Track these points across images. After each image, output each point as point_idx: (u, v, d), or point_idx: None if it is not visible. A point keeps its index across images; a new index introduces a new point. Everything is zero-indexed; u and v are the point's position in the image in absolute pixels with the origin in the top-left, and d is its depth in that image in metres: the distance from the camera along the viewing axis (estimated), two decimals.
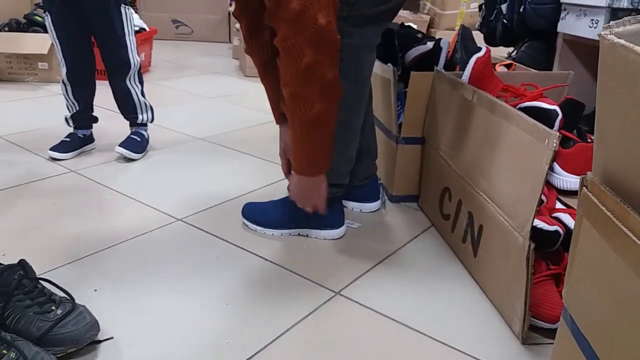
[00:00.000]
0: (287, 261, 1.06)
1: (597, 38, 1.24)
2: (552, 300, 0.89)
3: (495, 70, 1.46)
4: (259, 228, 1.17)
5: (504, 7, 1.54)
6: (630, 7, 1.12)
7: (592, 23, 1.24)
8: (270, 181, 1.47)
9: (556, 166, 1.10)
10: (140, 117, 1.64)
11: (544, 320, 0.88)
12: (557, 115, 1.07)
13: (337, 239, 1.16)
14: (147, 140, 1.66)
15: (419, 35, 1.43)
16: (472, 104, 1.06)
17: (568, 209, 1.01)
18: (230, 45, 3.94)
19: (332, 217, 1.15)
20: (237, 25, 3.37)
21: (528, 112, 1.09)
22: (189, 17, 4.02)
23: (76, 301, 0.81)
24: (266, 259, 1.07)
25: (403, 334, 0.86)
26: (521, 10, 1.47)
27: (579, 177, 0.82)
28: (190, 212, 1.26)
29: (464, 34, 1.45)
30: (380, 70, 1.37)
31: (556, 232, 0.91)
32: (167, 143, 1.76)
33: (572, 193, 1.05)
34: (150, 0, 3.99)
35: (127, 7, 1.54)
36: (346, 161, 1.15)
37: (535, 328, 0.88)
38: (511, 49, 1.69)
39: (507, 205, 0.90)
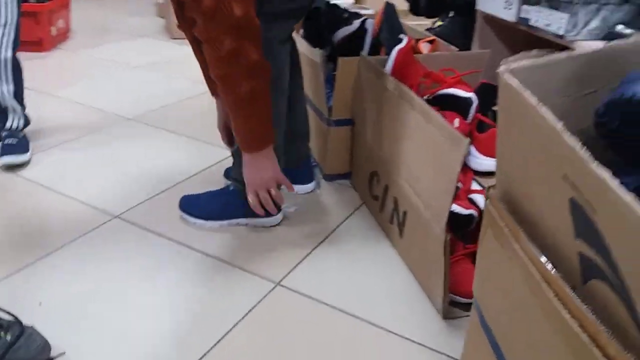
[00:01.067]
0: (228, 254, 1.11)
1: (512, 19, 1.31)
2: (468, 277, 1.00)
3: (418, 47, 1.52)
4: (198, 221, 1.20)
5: None
6: None
7: (507, 4, 1.31)
8: (207, 164, 1.49)
9: (473, 149, 1.19)
10: (8, 123, 1.46)
11: (462, 296, 0.99)
12: (473, 102, 1.15)
13: (275, 225, 1.22)
14: (24, 135, 1.49)
15: (345, 15, 1.44)
16: (394, 96, 1.12)
17: (483, 189, 1.11)
18: (154, 1, 3.74)
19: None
20: None
21: (447, 99, 1.17)
22: None
23: (23, 320, 0.83)
24: (207, 254, 1.11)
25: (340, 320, 0.95)
26: None
27: (493, 159, 0.91)
28: (126, 206, 1.27)
29: (388, 12, 1.49)
30: (309, 53, 1.39)
31: (471, 215, 1.02)
32: (95, 126, 1.71)
33: (488, 174, 1.16)
34: None
35: None
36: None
37: (455, 303, 0.99)
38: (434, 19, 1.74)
39: (425, 196, 0.99)
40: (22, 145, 1.44)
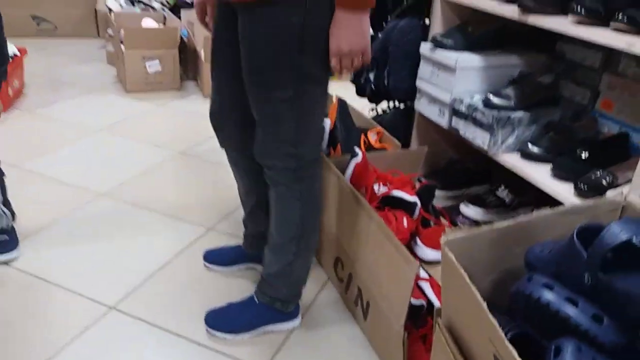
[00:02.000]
0: (210, 338, 1.29)
1: (445, 126, 1.58)
2: (421, 357, 1.25)
3: (370, 138, 1.76)
4: (228, 336, 1.31)
5: (371, 75, 1.82)
6: (466, 112, 1.46)
7: (440, 113, 1.58)
8: (184, 243, 1.65)
9: (418, 241, 1.45)
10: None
11: None
12: (416, 205, 1.41)
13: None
14: (13, 228, 1.57)
15: None
16: (353, 202, 1.35)
17: (430, 277, 1.36)
18: (100, 43, 3.78)
19: (295, 311, 1.36)
20: (110, 31, 3.27)
21: (396, 201, 1.42)
22: (51, 12, 3.74)
23: None
24: (200, 344, 1.29)
25: None
26: (385, 83, 1.76)
27: (437, 250, 1.15)
28: (120, 295, 1.41)
29: (342, 109, 1.72)
30: None
31: (421, 305, 1.27)
32: (69, 204, 1.82)
33: (432, 263, 1.41)
34: None
35: None
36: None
37: None
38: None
39: (385, 297, 1.22)
40: (10, 243, 1.54)
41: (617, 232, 0.67)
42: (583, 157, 1.29)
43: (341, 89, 2.04)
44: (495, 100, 1.41)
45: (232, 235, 1.71)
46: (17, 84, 2.68)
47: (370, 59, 1.05)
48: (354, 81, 2.02)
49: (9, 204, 1.61)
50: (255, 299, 1.33)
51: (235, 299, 1.36)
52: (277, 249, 1.24)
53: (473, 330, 0.79)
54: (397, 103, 1.96)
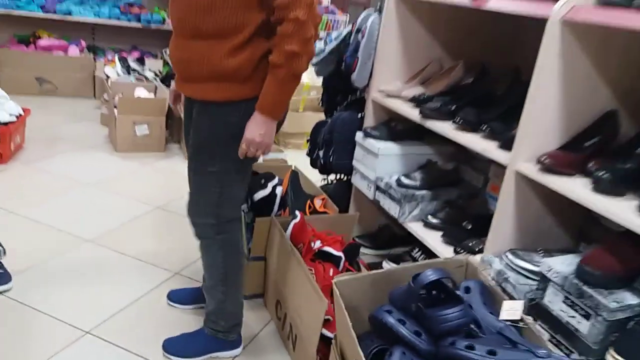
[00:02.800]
0: None
1: (371, 197, 1.97)
2: None
3: (314, 202, 2.14)
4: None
5: (321, 153, 2.24)
6: (384, 188, 1.87)
7: (368, 187, 1.98)
8: (153, 284, 1.97)
9: None
10: None
11: None
12: (341, 259, 1.77)
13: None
14: (1, 264, 1.85)
15: (262, 182, 2.05)
16: (291, 254, 1.70)
17: None
18: (96, 103, 4.20)
19: (237, 340, 1.68)
20: (105, 96, 3.69)
21: (326, 255, 1.78)
22: (53, 75, 4.18)
23: None
24: None
25: None
26: (331, 160, 2.17)
27: None
28: (95, 322, 1.72)
29: (293, 178, 2.12)
30: None
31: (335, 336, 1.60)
32: (57, 248, 2.14)
33: None
34: (11, 58, 4.07)
35: None
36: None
37: None
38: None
39: (305, 329, 1.55)
40: (5, 274, 1.85)
41: (429, 275, 1.04)
42: (467, 228, 1.68)
43: (302, 159, 2.45)
44: (405, 181, 1.82)
45: (193, 280, 2.04)
46: (19, 140, 3.05)
47: (269, 152, 1.44)
48: (309, 155, 2.43)
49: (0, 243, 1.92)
50: (204, 331, 1.66)
51: (189, 330, 1.68)
52: (210, 290, 1.59)
53: (349, 347, 1.14)
54: (340, 175, 2.37)
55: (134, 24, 4.40)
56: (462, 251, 1.57)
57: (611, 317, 1.07)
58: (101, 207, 2.56)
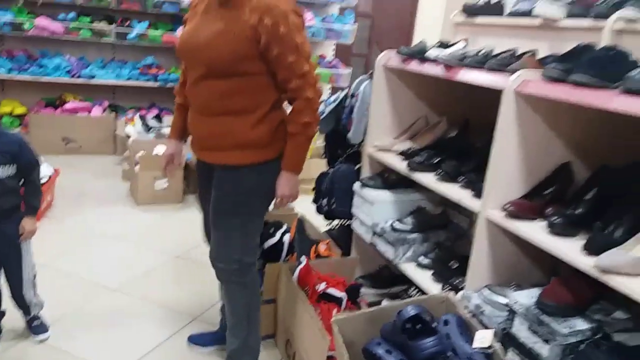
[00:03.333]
0: None
1: (368, 242, 2.18)
2: None
3: (320, 248, 2.35)
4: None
5: (324, 201, 2.46)
6: (380, 233, 2.08)
7: (366, 231, 2.19)
8: (175, 329, 2.17)
9: None
10: (33, 312, 2.05)
11: None
12: (344, 299, 1.96)
13: None
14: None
15: (271, 231, 2.27)
16: (298, 297, 1.91)
17: None
18: (117, 160, 4.51)
19: None
20: (126, 153, 3.99)
21: (330, 296, 1.98)
22: (78, 135, 4.52)
23: None
24: None
25: None
26: (333, 207, 2.40)
27: None
28: None
29: (299, 226, 2.34)
30: None
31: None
32: (87, 297, 2.36)
33: None
34: (40, 121, 4.43)
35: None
36: None
37: None
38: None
39: None
40: (44, 325, 2.08)
41: (409, 311, 1.24)
42: (454, 267, 1.87)
43: (309, 203, 2.68)
44: (398, 225, 2.03)
45: (212, 323, 2.23)
46: (49, 198, 3.34)
47: (296, 199, 1.73)
48: (314, 202, 2.66)
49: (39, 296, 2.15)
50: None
51: None
52: (233, 328, 1.79)
53: None
54: (343, 221, 2.58)
55: (152, 84, 4.76)
56: (448, 288, 1.76)
57: (565, 341, 1.25)
58: (125, 257, 2.80)
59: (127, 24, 4.64)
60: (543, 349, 1.30)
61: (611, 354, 1.23)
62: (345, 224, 2.56)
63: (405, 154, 2.05)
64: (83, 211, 3.39)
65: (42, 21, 4.40)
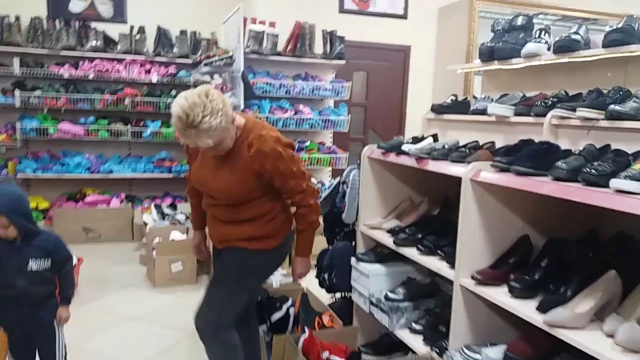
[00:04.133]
0: None
1: (367, 310, 2.43)
2: None
3: (323, 319, 2.59)
4: None
5: (326, 276, 2.73)
6: (376, 303, 2.33)
7: (364, 302, 2.44)
8: None
9: None
10: None
11: None
12: None
13: None
14: None
15: (277, 305, 2.53)
16: None
17: None
18: (135, 246, 4.81)
19: None
20: (144, 240, 4.30)
21: None
22: (98, 225, 4.87)
23: None
24: None
25: None
26: (333, 281, 2.66)
27: None
28: None
29: (304, 300, 2.60)
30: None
31: None
32: None
33: None
34: (63, 214, 4.79)
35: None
36: None
37: None
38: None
39: None
40: None
41: None
42: (442, 331, 2.11)
43: (312, 280, 2.93)
44: (391, 295, 2.29)
45: None
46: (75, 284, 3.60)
47: (307, 274, 2.07)
48: (317, 277, 2.93)
49: None
50: None
51: None
52: None
53: None
54: (344, 293, 2.83)
55: (166, 175, 5.17)
56: (436, 350, 1.99)
57: None
58: (144, 336, 3.03)
59: (141, 123, 5.13)
60: None
61: None
62: (347, 297, 2.82)
63: (393, 231, 2.35)
64: (104, 295, 3.65)
65: (65, 125, 4.90)
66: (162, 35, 5.29)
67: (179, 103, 1.66)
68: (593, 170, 1.40)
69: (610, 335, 1.37)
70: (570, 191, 1.43)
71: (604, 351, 1.33)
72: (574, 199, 1.42)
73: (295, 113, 4.92)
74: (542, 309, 1.51)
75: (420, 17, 5.93)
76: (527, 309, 1.57)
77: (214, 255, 2.16)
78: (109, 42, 5.14)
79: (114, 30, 5.18)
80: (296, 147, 5.06)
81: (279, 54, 4.94)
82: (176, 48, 5.28)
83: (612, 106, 1.63)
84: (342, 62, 5.14)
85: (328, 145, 5.30)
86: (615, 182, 1.31)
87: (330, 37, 5.16)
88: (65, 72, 4.89)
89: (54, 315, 2.22)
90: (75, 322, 3.24)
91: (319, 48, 5.17)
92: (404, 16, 5.94)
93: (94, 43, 5.00)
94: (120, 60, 5.05)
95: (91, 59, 4.99)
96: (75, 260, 3.68)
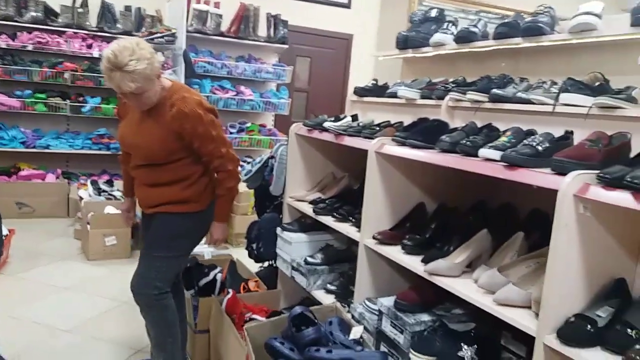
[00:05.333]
0: None
1: (289, 275, 2.63)
2: None
3: (249, 285, 2.77)
4: None
5: (254, 246, 2.91)
6: (296, 267, 2.53)
7: (287, 267, 2.64)
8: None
9: None
10: None
11: None
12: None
13: None
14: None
15: (205, 270, 2.68)
16: (227, 324, 2.30)
17: None
18: (69, 222, 4.80)
19: None
20: (79, 214, 4.31)
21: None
22: (32, 199, 4.81)
23: None
24: None
25: None
26: (261, 250, 2.84)
27: None
28: None
29: (231, 267, 2.76)
30: (186, 293, 2.57)
31: None
32: (42, 337, 2.65)
33: None
34: None
35: None
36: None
37: None
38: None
39: None
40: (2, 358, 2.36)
41: (296, 310, 1.68)
42: (352, 290, 2.33)
43: (244, 254, 3.09)
44: (310, 260, 2.49)
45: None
46: (4, 256, 3.60)
47: (225, 241, 2.16)
48: (247, 249, 3.10)
49: None
50: None
51: None
52: (158, 345, 2.15)
53: None
54: (270, 262, 3.02)
55: (104, 152, 5.16)
56: (345, 305, 2.22)
57: (412, 329, 1.73)
58: (76, 305, 3.10)
59: (81, 99, 5.09)
60: (400, 338, 1.77)
61: (444, 337, 1.71)
62: (273, 265, 3.00)
63: (314, 202, 2.55)
64: (37, 267, 3.67)
65: (0, 97, 4.80)
66: (105, 10, 5.23)
67: (111, 46, 1.81)
68: (468, 142, 1.64)
69: (477, 281, 1.62)
70: (449, 160, 1.67)
71: (469, 293, 1.58)
72: (452, 166, 1.66)
73: (237, 94, 5.03)
74: (425, 261, 1.75)
75: (362, 6, 6.16)
76: (415, 263, 1.80)
77: (144, 223, 2.27)
78: (49, 14, 5.04)
79: (55, 2, 5.07)
80: (237, 128, 5.22)
81: (222, 35, 5.02)
82: (120, 24, 5.25)
83: (494, 90, 1.89)
84: (285, 46, 5.30)
85: (269, 127, 5.45)
86: (482, 152, 1.55)
87: (275, 21, 5.30)
88: (2, 42, 4.77)
89: None
90: (3, 292, 3.26)
91: (262, 31, 5.29)
92: (347, 5, 6.15)
93: (33, 14, 4.89)
94: (60, 33, 4.97)
95: (30, 30, 4.89)
96: (5, 232, 3.69)
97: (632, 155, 1.41)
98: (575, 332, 1.27)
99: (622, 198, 1.18)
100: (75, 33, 5.03)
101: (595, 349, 1.27)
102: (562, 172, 1.31)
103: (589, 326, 1.28)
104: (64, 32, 4.99)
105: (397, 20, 5.93)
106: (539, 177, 1.37)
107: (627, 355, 1.17)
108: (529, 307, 1.44)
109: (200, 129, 1.95)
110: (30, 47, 4.84)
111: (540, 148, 1.44)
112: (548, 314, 1.31)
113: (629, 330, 1.26)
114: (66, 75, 4.93)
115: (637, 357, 1.15)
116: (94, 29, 5.13)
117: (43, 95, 4.97)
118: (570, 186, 1.26)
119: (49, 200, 4.88)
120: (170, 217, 2.08)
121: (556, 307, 1.32)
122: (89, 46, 5.07)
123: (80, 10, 5.12)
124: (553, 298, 1.31)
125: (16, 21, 4.82)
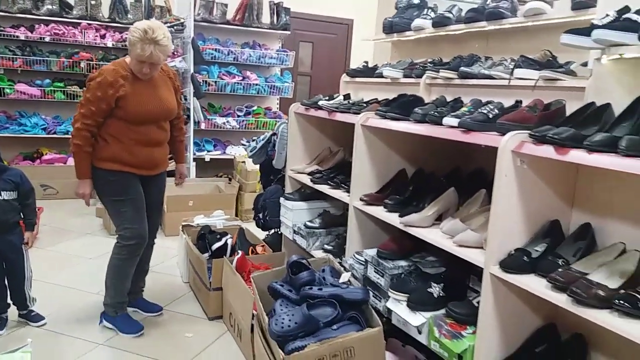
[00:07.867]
0: None
1: (291, 239, 2.95)
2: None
3: (257, 249, 3.10)
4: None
5: (260, 215, 3.23)
6: (297, 231, 2.85)
7: (289, 232, 2.96)
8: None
9: None
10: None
11: None
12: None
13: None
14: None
15: (218, 236, 3.01)
16: (237, 281, 2.63)
17: None
18: (91, 201, 5.15)
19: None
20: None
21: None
22: (55, 181, 5.18)
23: None
24: None
25: None
26: (267, 219, 3.16)
27: None
28: (105, 336, 2.58)
29: (240, 233, 3.09)
30: (200, 256, 2.91)
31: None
32: (71, 299, 3.01)
33: None
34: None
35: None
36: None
37: None
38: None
39: (243, 319, 2.45)
40: (40, 315, 2.73)
41: (293, 258, 1.99)
42: (345, 248, 2.65)
43: (252, 226, 3.41)
44: (309, 224, 2.81)
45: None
46: (35, 231, 3.97)
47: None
48: (254, 219, 3.43)
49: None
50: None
51: None
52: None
53: (260, 314, 2.07)
54: (276, 230, 3.35)
55: None
56: (339, 260, 2.54)
57: (391, 273, 2.04)
58: (102, 272, 3.44)
59: None
60: (381, 281, 2.08)
61: (418, 278, 2.02)
62: (278, 232, 3.33)
63: (312, 174, 2.86)
64: (64, 241, 4.04)
65: (22, 86, 5.14)
66: (117, 1, 5.53)
67: (145, 22, 2.32)
68: (435, 113, 1.93)
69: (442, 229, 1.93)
70: (420, 129, 1.96)
71: (436, 238, 1.89)
72: (422, 134, 1.95)
73: (243, 79, 5.33)
74: (402, 216, 2.06)
75: None
76: (394, 219, 2.11)
77: (137, 185, 2.58)
78: (64, 6, 5.35)
79: None
80: (244, 111, 5.52)
81: (228, 23, 5.31)
82: (130, 14, 5.54)
83: (462, 68, 2.17)
84: (288, 32, 5.56)
85: (274, 110, 5.75)
86: (445, 120, 1.84)
87: (277, 9, 5.56)
88: (22, 34, 5.10)
89: (22, 240, 2.63)
90: (36, 263, 3.62)
91: (266, 18, 5.56)
92: None
93: (49, 6, 5.20)
94: (75, 25, 5.29)
95: (47, 22, 5.21)
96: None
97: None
98: (514, 262, 1.58)
99: (546, 151, 1.47)
100: (89, 24, 5.34)
101: (530, 275, 1.57)
102: (504, 133, 1.60)
103: (525, 257, 1.58)
104: (78, 23, 5.30)
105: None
106: (487, 138, 1.66)
107: (550, 276, 1.47)
108: (482, 248, 1.75)
109: (177, 83, 2.62)
110: (47, 39, 5.17)
111: (490, 115, 1.73)
112: (493, 249, 1.62)
113: (557, 259, 1.56)
114: (82, 64, 5.26)
115: (558, 277, 1.45)
116: (107, 20, 5.44)
117: (61, 84, 5.31)
118: (509, 143, 1.55)
119: (71, 182, 5.19)
120: (165, 174, 2.65)
121: (499, 244, 1.62)
122: (103, 36, 5.38)
123: (93, 2, 5.42)
124: (496, 236, 1.61)
125: (34, 14, 5.14)
